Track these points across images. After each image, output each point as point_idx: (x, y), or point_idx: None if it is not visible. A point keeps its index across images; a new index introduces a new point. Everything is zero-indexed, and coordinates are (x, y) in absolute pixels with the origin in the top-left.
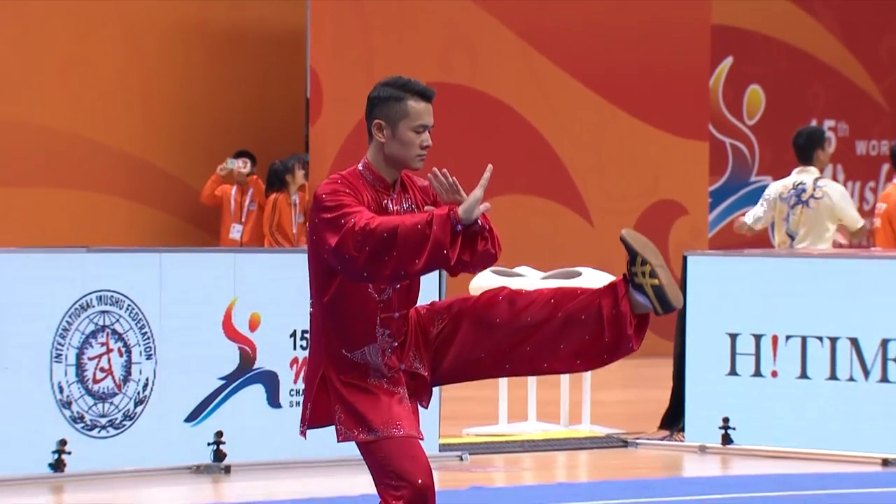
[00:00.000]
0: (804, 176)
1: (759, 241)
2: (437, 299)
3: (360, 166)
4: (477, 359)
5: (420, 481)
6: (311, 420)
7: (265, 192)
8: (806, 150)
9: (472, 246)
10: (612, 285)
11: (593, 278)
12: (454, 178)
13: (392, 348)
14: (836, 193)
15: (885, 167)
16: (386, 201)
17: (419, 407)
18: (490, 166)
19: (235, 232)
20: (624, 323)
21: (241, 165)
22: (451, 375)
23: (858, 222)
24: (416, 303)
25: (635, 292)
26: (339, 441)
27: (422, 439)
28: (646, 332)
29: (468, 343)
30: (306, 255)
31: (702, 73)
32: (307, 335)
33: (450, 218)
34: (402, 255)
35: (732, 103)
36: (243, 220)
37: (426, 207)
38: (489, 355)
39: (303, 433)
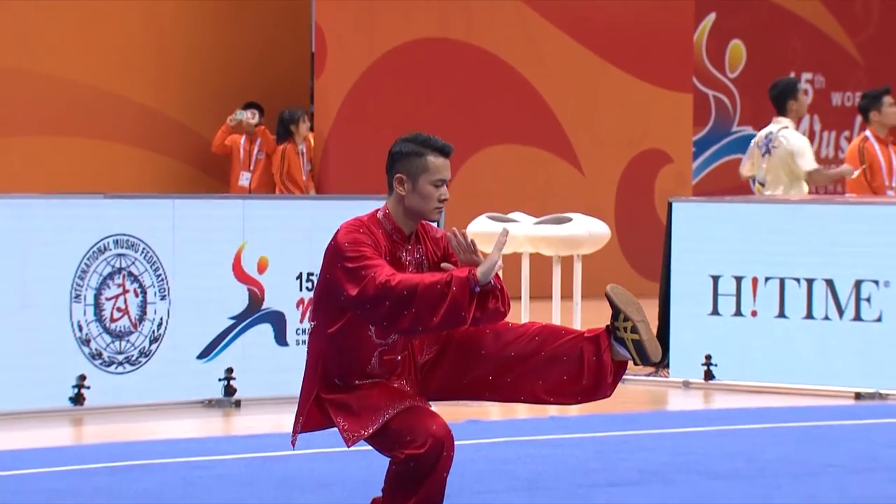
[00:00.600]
0: (773, 126)
1: (740, 188)
2: None
3: (380, 215)
4: (460, 384)
5: (434, 428)
6: (302, 430)
7: (276, 140)
8: (779, 100)
9: (484, 304)
10: (595, 335)
11: (583, 223)
12: (472, 239)
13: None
14: (791, 142)
15: (860, 118)
16: (400, 252)
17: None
18: (506, 228)
19: (244, 179)
20: (605, 372)
21: (250, 116)
22: (436, 395)
23: (806, 167)
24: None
25: (617, 344)
26: (349, 446)
27: (427, 407)
28: (620, 381)
29: (454, 370)
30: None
31: (686, 29)
32: (313, 277)
33: (469, 281)
34: (419, 313)
35: (715, 57)
36: (252, 168)
37: (443, 265)
38: (472, 382)
39: (293, 443)
